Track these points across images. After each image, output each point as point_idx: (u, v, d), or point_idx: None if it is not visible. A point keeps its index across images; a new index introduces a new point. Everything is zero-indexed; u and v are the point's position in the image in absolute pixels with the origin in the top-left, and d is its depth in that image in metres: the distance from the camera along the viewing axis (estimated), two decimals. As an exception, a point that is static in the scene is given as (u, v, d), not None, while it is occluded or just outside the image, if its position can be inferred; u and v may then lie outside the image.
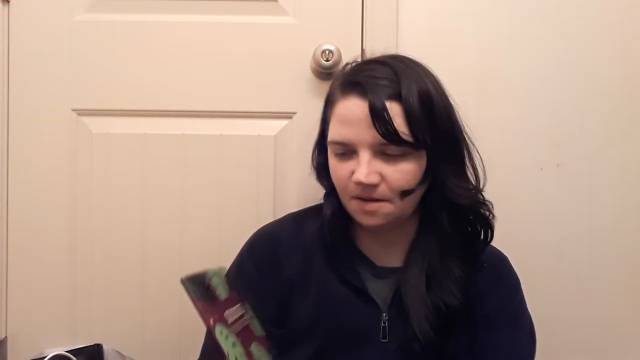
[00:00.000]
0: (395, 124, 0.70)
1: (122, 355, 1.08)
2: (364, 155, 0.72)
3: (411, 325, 0.75)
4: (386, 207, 0.74)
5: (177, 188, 1.09)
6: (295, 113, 1.09)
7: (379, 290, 0.80)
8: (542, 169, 1.09)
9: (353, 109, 0.73)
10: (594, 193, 1.09)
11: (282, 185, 1.09)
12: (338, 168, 0.76)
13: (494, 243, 0.83)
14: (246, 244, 0.86)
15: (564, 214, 1.09)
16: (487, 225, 0.80)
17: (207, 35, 1.08)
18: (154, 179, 1.09)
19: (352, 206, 0.76)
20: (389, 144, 0.71)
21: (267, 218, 1.02)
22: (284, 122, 1.09)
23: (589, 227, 1.09)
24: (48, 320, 1.10)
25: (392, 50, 0.96)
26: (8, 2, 1.08)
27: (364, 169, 0.71)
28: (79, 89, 1.08)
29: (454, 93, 0.79)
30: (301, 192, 1.07)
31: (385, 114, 0.70)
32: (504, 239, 0.86)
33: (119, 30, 1.08)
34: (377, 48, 0.92)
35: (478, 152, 0.80)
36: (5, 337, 1.10)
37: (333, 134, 0.76)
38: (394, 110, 0.71)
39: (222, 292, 0.69)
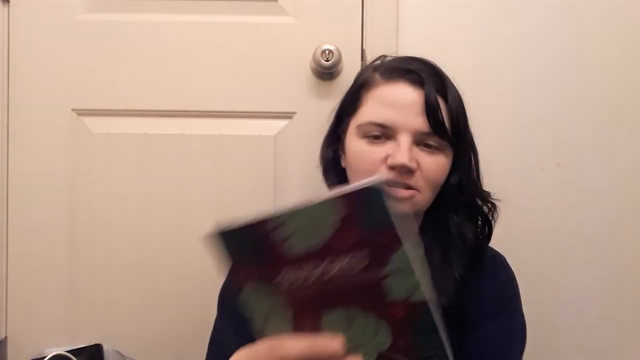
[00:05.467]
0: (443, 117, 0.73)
1: (122, 355, 1.08)
2: (406, 140, 0.72)
3: None
4: (417, 196, 0.74)
5: (177, 188, 1.09)
6: (295, 113, 1.09)
7: None
8: (542, 169, 1.09)
9: (403, 94, 0.74)
10: (594, 193, 1.09)
11: (282, 186, 1.08)
12: (369, 151, 0.74)
13: (493, 243, 0.83)
14: None
15: (564, 214, 1.09)
16: (488, 223, 0.81)
17: (207, 35, 1.08)
18: (154, 179, 1.09)
19: None
20: (432, 134, 0.73)
21: (267, 218, 1.03)
22: (284, 122, 1.09)
23: (588, 226, 1.09)
24: (48, 320, 1.10)
25: (392, 50, 0.96)
26: (8, 2, 1.08)
27: (406, 152, 0.71)
28: (79, 89, 1.08)
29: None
30: (301, 192, 1.07)
31: (438, 107, 0.72)
32: (503, 238, 0.86)
33: (119, 30, 1.08)
34: (377, 48, 0.92)
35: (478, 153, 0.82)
36: (5, 337, 1.10)
37: (372, 115, 0.75)
38: (441, 104, 0.73)
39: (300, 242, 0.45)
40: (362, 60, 1.06)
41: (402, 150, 0.71)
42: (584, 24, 1.09)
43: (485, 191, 0.81)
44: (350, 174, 0.78)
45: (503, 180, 1.05)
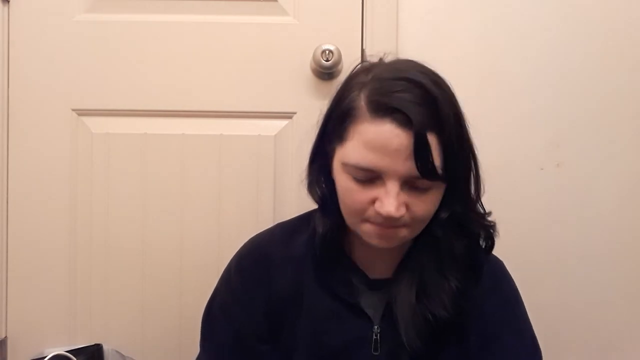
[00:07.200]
0: (433, 159, 0.66)
1: (122, 355, 1.08)
2: (394, 186, 0.67)
3: (400, 337, 0.73)
4: (403, 232, 0.71)
5: (177, 188, 1.09)
6: (295, 113, 1.09)
7: (371, 303, 0.78)
8: (542, 169, 1.09)
9: (390, 138, 0.66)
10: (594, 193, 1.09)
11: (282, 185, 1.09)
12: (356, 192, 0.69)
13: (494, 243, 0.83)
14: (234, 258, 0.83)
15: (564, 214, 1.09)
16: (490, 239, 0.79)
17: (207, 35, 1.08)
18: (154, 179, 1.09)
19: (366, 229, 0.72)
20: (421, 178, 0.67)
21: (267, 218, 1.03)
22: (284, 122, 1.09)
23: (588, 227, 1.09)
24: (48, 320, 1.10)
25: (392, 51, 0.96)
26: (8, 2, 1.08)
27: (394, 201, 0.67)
28: (79, 89, 1.08)
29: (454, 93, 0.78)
30: (301, 192, 1.06)
31: (428, 151, 0.66)
32: (503, 239, 0.85)
33: (119, 30, 1.08)
34: (377, 48, 0.92)
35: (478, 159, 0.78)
36: (5, 337, 1.10)
37: (357, 158, 0.68)
38: (433, 142, 0.66)
39: None
40: (362, 60, 1.06)
41: (390, 199, 0.67)
42: (584, 25, 1.09)
43: (480, 215, 0.77)
44: (340, 202, 0.74)
45: (503, 180, 1.06)
